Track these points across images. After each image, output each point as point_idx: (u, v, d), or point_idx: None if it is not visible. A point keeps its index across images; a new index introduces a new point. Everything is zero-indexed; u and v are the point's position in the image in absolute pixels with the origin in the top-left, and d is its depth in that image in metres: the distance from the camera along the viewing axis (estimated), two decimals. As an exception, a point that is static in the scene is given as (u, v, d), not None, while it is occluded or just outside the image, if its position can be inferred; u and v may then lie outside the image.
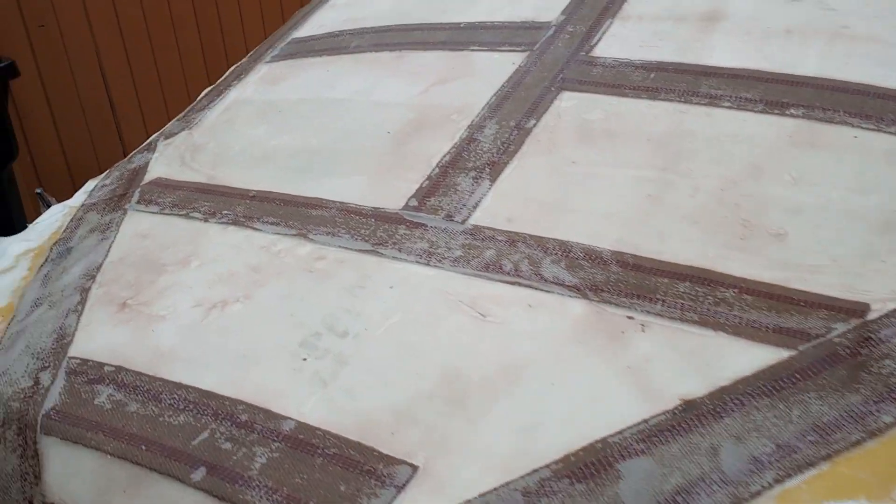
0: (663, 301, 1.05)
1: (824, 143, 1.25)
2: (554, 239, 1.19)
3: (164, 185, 1.54)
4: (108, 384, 1.06)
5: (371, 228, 1.28)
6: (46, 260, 1.39)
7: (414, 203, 1.32)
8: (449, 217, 1.27)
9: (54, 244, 1.43)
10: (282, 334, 1.10)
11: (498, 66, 1.59)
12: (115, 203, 1.52)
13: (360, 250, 1.24)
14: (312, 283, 1.19)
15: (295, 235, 1.30)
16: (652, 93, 1.41)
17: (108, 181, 1.64)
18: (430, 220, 1.27)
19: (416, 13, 1.86)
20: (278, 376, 1.03)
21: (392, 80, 1.65)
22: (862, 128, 1.26)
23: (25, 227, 3.00)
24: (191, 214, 1.42)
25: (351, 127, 1.55)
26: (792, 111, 1.30)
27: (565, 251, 1.16)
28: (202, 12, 4.23)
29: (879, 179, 1.18)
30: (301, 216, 1.34)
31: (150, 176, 1.59)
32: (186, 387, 1.04)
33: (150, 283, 1.26)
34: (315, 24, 1.99)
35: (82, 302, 1.24)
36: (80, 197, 1.62)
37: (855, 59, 1.39)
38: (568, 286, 1.10)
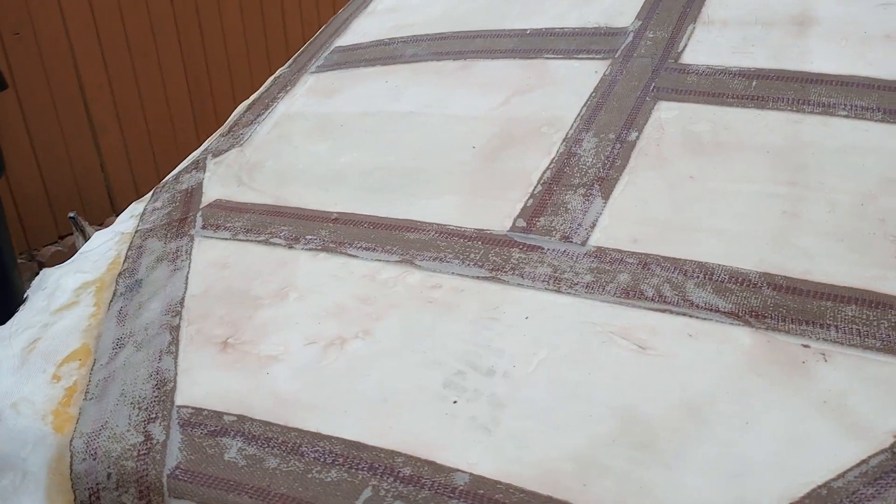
0: (836, 327, 0.98)
1: None
2: (691, 260, 1.11)
3: (226, 207, 1.42)
4: (234, 437, 0.95)
5: (481, 252, 1.19)
6: (115, 294, 1.25)
7: (522, 224, 1.23)
8: (566, 238, 1.18)
9: (119, 276, 1.30)
10: (419, 374, 1.00)
11: (580, 75, 1.50)
12: (177, 228, 1.39)
13: (477, 277, 1.15)
14: (436, 316, 1.09)
15: (399, 262, 1.20)
16: (758, 101, 1.34)
17: (158, 204, 1.51)
18: (545, 243, 1.18)
19: (473, 19, 1.76)
20: (430, 423, 0.93)
21: (464, 92, 1.55)
22: None
23: (11, 248, 2.80)
24: (271, 240, 1.30)
25: (428, 142, 1.45)
26: None
27: (707, 274, 1.08)
28: (182, 19, 4.05)
29: None
30: (398, 240, 1.24)
31: (207, 198, 1.47)
32: (328, 437, 0.93)
33: (247, 318, 1.14)
34: (358, 32, 1.89)
35: (174, 342, 1.11)
36: (128, 222, 1.48)
37: None
38: (724, 313, 1.02)
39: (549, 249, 1.17)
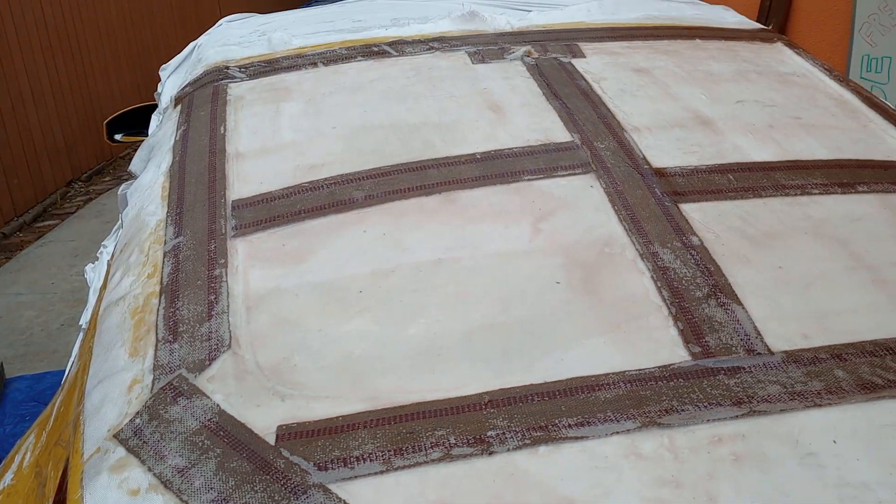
0: None
1: None
2: (867, 341, 1.17)
3: (312, 433, 1.02)
4: None
5: (696, 391, 1.07)
6: None
7: (697, 349, 1.15)
8: (750, 351, 1.15)
9: None
10: None
11: (579, 192, 1.46)
12: (278, 486, 0.94)
13: (735, 417, 1.03)
14: (762, 475, 0.95)
15: (640, 428, 1.01)
16: (753, 192, 1.48)
17: (177, 461, 1.00)
18: (739, 361, 1.13)
19: (392, 152, 1.57)
20: None
21: (477, 228, 1.37)
22: None
23: None
24: (453, 452, 0.97)
25: (500, 289, 1.25)
26: (863, 188, 1.52)
27: (888, 349, 1.16)
28: None
29: None
30: (600, 404, 1.05)
31: (260, 429, 1.04)
32: None
33: None
34: (249, 181, 1.52)
35: None
36: (156, 502, 0.95)
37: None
38: None
39: (749, 366, 1.12)
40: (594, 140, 1.60)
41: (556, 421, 1.02)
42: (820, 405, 1.06)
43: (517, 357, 1.13)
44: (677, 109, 1.74)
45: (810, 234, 1.40)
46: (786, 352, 1.15)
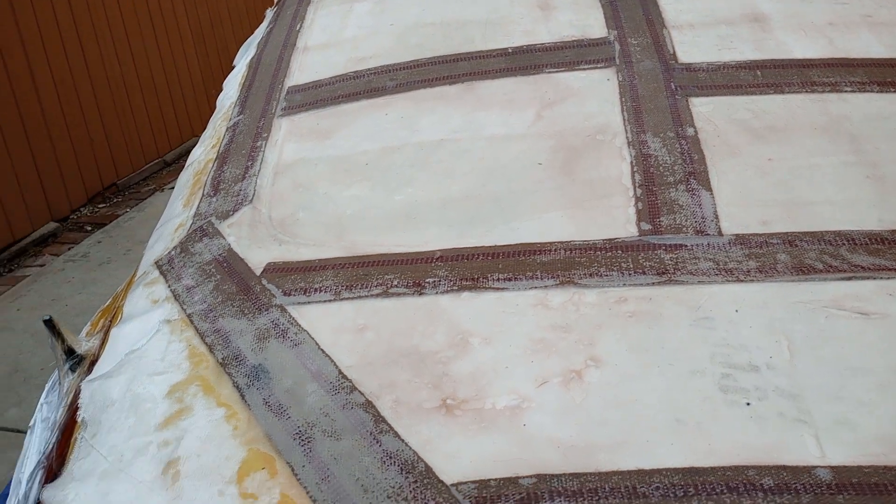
0: None
1: None
2: (827, 231, 1.18)
3: (291, 269, 1.23)
4: (552, 498, 0.82)
5: (629, 260, 1.16)
6: (239, 388, 1.02)
7: (647, 227, 1.22)
8: (700, 232, 1.20)
9: (223, 367, 1.05)
10: (689, 387, 0.94)
11: (594, 84, 1.53)
12: (249, 302, 1.17)
13: (652, 284, 1.11)
14: (649, 328, 1.03)
15: (559, 285, 1.12)
16: (776, 88, 1.47)
17: (188, 282, 1.25)
18: (685, 240, 1.18)
19: (435, 46, 1.70)
20: (746, 429, 0.89)
21: (486, 113, 1.50)
22: None
23: None
24: (390, 291, 1.14)
25: (486, 166, 1.38)
26: None
27: (848, 239, 1.16)
28: None
29: None
30: (533, 265, 1.16)
31: (254, 263, 1.26)
32: (658, 472, 0.84)
33: (442, 375, 0.99)
34: (306, 70, 1.73)
35: (380, 419, 0.93)
36: (157, 310, 1.21)
37: None
38: (892, 269, 1.10)
39: (692, 245, 1.18)
40: (629, 36, 1.64)
41: (488, 275, 1.15)
42: (743, 281, 1.10)
43: (480, 224, 1.27)
44: (732, 6, 1.71)
45: (820, 129, 1.38)
46: (737, 235, 1.19)
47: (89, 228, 5.00)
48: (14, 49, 4.46)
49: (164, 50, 5.76)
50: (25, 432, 3.20)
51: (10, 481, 2.71)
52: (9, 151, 4.48)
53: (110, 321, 1.34)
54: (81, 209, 5.17)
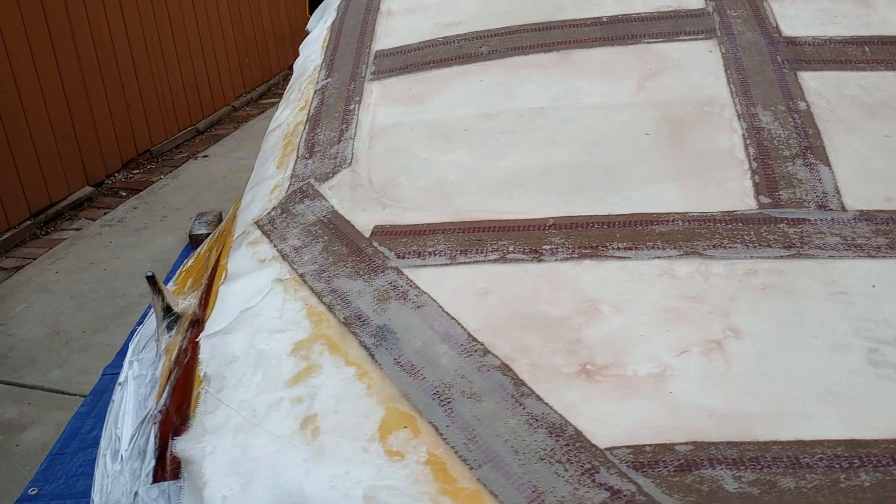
0: None
1: None
2: None
3: (400, 232, 1.21)
4: (714, 466, 0.80)
5: (752, 234, 1.13)
6: (366, 347, 1.00)
7: (767, 200, 1.19)
8: (823, 207, 1.17)
9: (347, 326, 1.04)
10: (838, 361, 0.92)
11: (697, 55, 1.49)
12: (363, 264, 1.15)
13: (780, 257, 1.09)
14: (785, 301, 1.01)
15: (684, 255, 1.10)
16: (886, 64, 1.43)
17: (294, 242, 1.24)
18: (808, 214, 1.16)
19: (524, 13, 1.67)
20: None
21: (587, 82, 1.47)
22: None
23: None
24: (507, 256, 1.12)
25: (589, 135, 1.35)
26: None
27: None
28: None
29: None
30: (652, 235, 1.14)
31: (361, 225, 1.24)
32: (821, 442, 0.83)
33: (576, 342, 0.97)
34: (392, 34, 1.70)
35: (519, 382, 0.92)
36: (265, 269, 1.20)
37: None
38: None
39: (816, 220, 1.15)
40: (729, 8, 1.60)
41: (607, 244, 1.13)
42: (874, 257, 1.08)
43: (589, 193, 1.25)
44: None
45: (935, 107, 1.34)
46: (861, 210, 1.16)
47: (124, 194, 4.99)
48: (56, 12, 4.44)
49: (199, 13, 5.73)
50: (68, 394, 3.20)
51: (58, 442, 2.70)
52: (48, 113, 4.47)
53: (209, 280, 1.33)
54: (116, 174, 5.17)
